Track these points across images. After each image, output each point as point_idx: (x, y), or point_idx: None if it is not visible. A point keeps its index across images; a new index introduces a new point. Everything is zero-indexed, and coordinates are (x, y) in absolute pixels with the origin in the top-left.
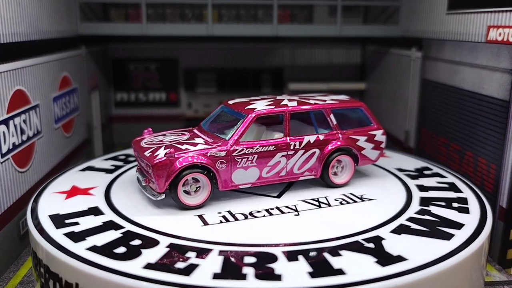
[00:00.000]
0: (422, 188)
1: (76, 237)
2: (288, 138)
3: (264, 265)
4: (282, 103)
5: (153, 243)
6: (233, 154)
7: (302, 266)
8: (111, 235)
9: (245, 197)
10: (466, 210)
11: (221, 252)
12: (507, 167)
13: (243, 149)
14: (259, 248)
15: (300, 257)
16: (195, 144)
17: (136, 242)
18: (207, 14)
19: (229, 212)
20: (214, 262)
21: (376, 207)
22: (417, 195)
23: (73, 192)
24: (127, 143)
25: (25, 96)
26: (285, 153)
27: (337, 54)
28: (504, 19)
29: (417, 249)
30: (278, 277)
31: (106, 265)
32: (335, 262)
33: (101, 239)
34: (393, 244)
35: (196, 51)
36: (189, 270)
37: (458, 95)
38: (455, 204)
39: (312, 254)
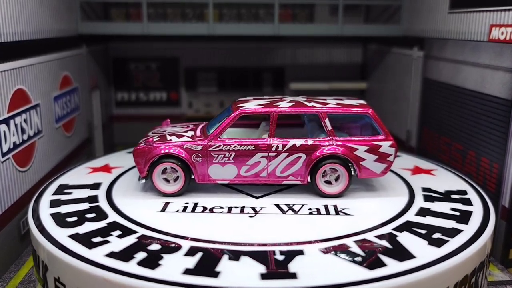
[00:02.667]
0: (423, 212)
1: (55, 204)
2: (270, 139)
3: (158, 254)
4: (275, 103)
5: (102, 218)
6: (210, 149)
7: (189, 262)
8: (81, 207)
9: (226, 192)
10: (441, 243)
11: (140, 236)
12: (510, 166)
13: (220, 145)
14: (172, 238)
15: (199, 254)
16: (181, 136)
17: (91, 215)
18: (208, 13)
19: (195, 204)
20: (123, 244)
21: (339, 223)
22: (406, 218)
23: (101, 169)
24: (128, 143)
25: (25, 95)
26: (265, 154)
27: (338, 54)
28: (506, 18)
29: (321, 271)
30: (154, 266)
31: (47, 229)
32: (223, 265)
33: (69, 208)
34: (304, 261)
35: (197, 51)
36: (95, 245)
37: (460, 94)
38: (436, 235)
39: (211, 253)
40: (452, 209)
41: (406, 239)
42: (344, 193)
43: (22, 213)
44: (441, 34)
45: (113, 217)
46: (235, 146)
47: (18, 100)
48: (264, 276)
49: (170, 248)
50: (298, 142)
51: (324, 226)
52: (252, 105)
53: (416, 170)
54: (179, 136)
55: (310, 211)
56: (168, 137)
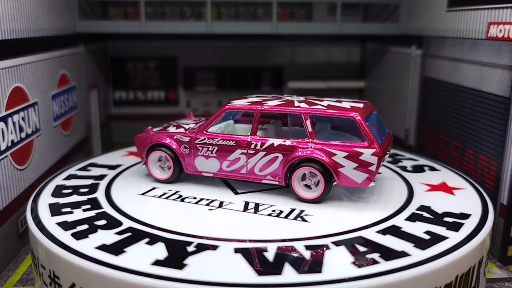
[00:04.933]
0: (389, 230)
1: (70, 177)
2: (250, 137)
3: (95, 228)
4: (264, 102)
5: (89, 193)
6: (195, 142)
7: (111, 239)
8: (84, 182)
9: (214, 185)
10: (367, 263)
11: (99, 212)
12: (508, 164)
13: (204, 139)
14: (121, 217)
15: (127, 234)
16: (180, 128)
17: (84, 190)
18: (207, 12)
19: (176, 192)
20: (80, 216)
21: (283, 227)
22: (363, 233)
23: (135, 153)
24: (126, 142)
25: (23, 93)
26: (245, 151)
27: (336, 53)
28: (505, 16)
29: (212, 268)
30: (80, 238)
31: (41, 203)
32: (135, 247)
33: (75, 182)
34: (208, 256)
35: (196, 50)
36: (59, 213)
37: (459, 92)
38: (372, 255)
39: (136, 235)
40: (426, 232)
41: (335, 254)
42: (321, 199)
43: (20, 211)
44: (439, 33)
45: (99, 194)
46: (218, 141)
47: (16, 98)
48: (155, 263)
49: (110, 225)
50: (277, 141)
51: (266, 227)
52: (242, 102)
53: (439, 187)
54: (178, 128)
55: (271, 212)
56: (169, 128)
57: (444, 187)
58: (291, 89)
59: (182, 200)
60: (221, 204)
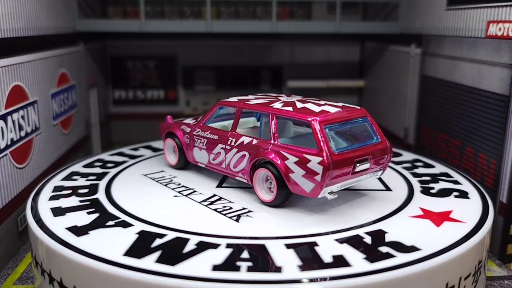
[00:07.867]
0: (296, 246)
1: (115, 154)
2: (230, 133)
3: (71, 195)
4: (248, 100)
5: (106, 168)
6: (193, 133)
7: (70, 204)
8: (115, 159)
9: (209, 176)
10: (228, 269)
11: (93, 184)
12: (507, 162)
13: (199, 131)
14: (101, 188)
15: (86, 203)
16: (193, 120)
17: (109, 164)
18: (206, 11)
19: (172, 177)
20: (76, 184)
21: (205, 222)
22: (265, 243)
23: None
24: (126, 141)
25: (23, 91)
26: (224, 146)
27: (336, 52)
28: (504, 14)
29: (106, 244)
30: (54, 199)
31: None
32: (72, 214)
33: (110, 158)
34: (116, 232)
35: (195, 49)
36: (67, 179)
37: (458, 90)
38: (242, 264)
39: (91, 204)
40: (336, 256)
41: (211, 254)
42: (275, 204)
43: (20, 210)
44: (439, 31)
45: (113, 170)
46: (207, 134)
47: (15, 97)
48: (69, 228)
49: (86, 194)
50: (246, 140)
51: (190, 219)
52: (233, 99)
53: (432, 215)
54: (193, 120)
55: (219, 207)
56: (186, 120)
57: (438, 217)
58: (290, 88)
59: (166, 185)
60: (189, 194)
